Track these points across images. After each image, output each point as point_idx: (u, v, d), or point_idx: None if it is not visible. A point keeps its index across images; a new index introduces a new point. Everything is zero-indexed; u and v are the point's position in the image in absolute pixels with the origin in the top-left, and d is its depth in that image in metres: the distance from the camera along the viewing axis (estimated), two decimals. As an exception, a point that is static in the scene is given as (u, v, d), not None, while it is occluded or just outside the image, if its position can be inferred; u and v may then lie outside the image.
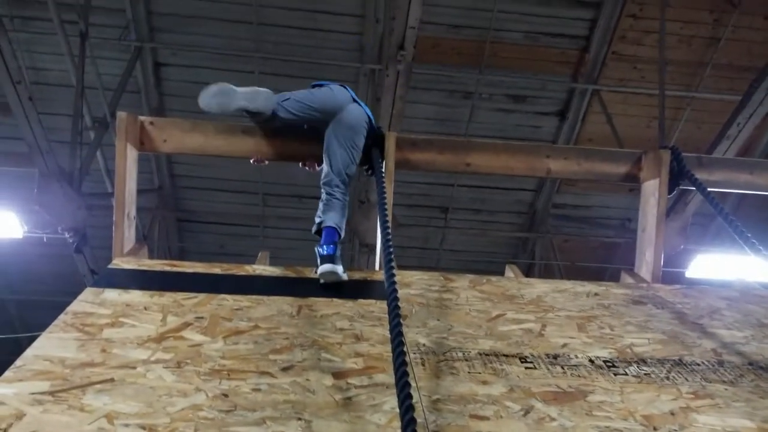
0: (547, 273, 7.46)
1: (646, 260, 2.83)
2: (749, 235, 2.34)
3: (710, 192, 2.69)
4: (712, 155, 6.11)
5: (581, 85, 6.44)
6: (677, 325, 2.25)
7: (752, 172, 3.03)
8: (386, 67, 4.84)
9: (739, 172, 3.03)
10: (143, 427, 1.36)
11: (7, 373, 1.52)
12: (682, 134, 6.64)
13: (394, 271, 1.92)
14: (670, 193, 2.84)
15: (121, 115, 2.55)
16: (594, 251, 7.69)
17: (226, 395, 1.53)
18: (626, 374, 1.83)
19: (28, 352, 1.64)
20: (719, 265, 6.23)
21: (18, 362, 1.58)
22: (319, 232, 2.43)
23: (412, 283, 2.43)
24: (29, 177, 5.20)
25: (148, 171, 6.63)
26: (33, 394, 1.44)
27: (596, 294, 2.50)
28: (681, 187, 2.90)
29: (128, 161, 2.54)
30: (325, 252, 2.30)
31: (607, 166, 2.95)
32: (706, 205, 2.62)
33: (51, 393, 1.45)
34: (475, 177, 6.57)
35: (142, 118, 2.64)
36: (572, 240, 7.67)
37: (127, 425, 1.36)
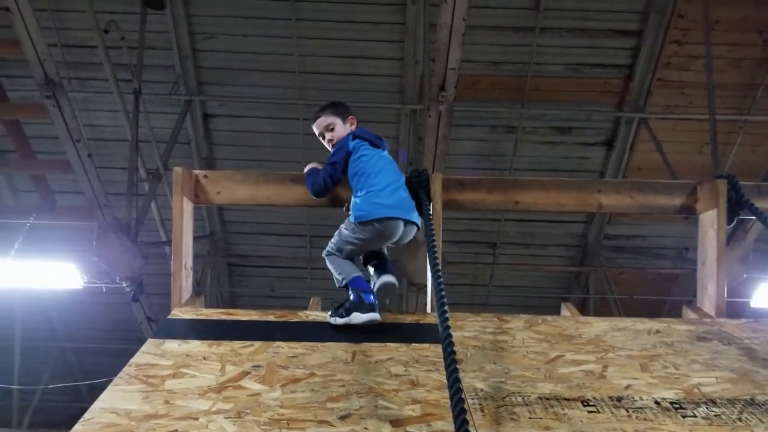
0: (602, 307, 7.24)
1: (709, 294, 2.72)
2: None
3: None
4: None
5: (627, 114, 6.36)
6: (746, 362, 2.14)
7: (814, 198, 2.89)
8: (428, 108, 4.91)
9: (800, 199, 2.90)
10: (207, 480, 1.38)
11: (77, 427, 1.57)
12: (735, 159, 6.42)
13: (447, 315, 1.91)
14: (729, 223, 2.74)
15: (178, 170, 2.67)
16: (651, 283, 7.42)
17: (286, 445, 1.54)
18: (695, 416, 1.74)
19: (96, 405, 1.69)
20: (787, 293, 5.90)
21: (86, 415, 1.63)
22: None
23: (465, 325, 2.40)
24: (88, 230, 5.45)
25: (199, 218, 6.87)
26: (103, 447, 1.48)
27: (658, 331, 2.41)
28: (741, 217, 2.79)
29: (185, 214, 2.64)
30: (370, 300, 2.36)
31: (661, 198, 2.88)
32: (768, 231, 2.53)
33: (119, 446, 1.49)
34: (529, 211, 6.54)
35: (196, 172, 2.76)
36: (627, 272, 7.43)
37: (192, 477, 1.38)
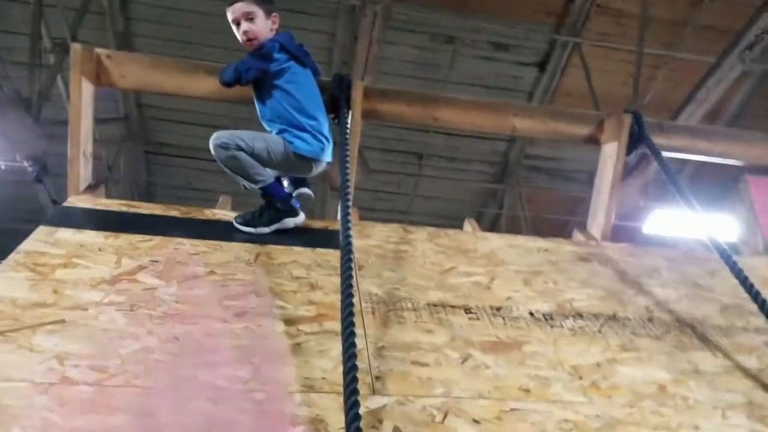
0: (513, 224, 7.63)
1: (598, 220, 2.93)
2: (690, 196, 2.45)
3: (665, 157, 2.76)
4: (675, 120, 6.22)
5: (563, 37, 6.40)
6: (617, 283, 2.37)
7: (709, 140, 3.12)
8: (364, 6, 4.70)
9: (697, 139, 3.11)
10: (93, 368, 1.41)
11: (-44, 313, 1.53)
12: (656, 93, 6.69)
13: (350, 222, 1.96)
14: (627, 155, 2.92)
15: (76, 47, 2.45)
16: (562, 204, 7.86)
17: (177, 339, 1.58)
18: (562, 327, 1.94)
19: (-21, 290, 1.65)
20: (674, 222, 6.45)
21: (-33, 300, 1.59)
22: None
23: (372, 234, 2.48)
24: (-14, 102, 5.00)
25: (113, 99, 6.44)
26: (-18, 333, 1.47)
27: (546, 250, 2.60)
28: (639, 151, 2.97)
29: (83, 96, 2.47)
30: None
31: (571, 127, 3.00)
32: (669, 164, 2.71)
33: (0, 333, 1.48)
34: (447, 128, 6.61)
35: (99, 50, 2.54)
36: (541, 192, 7.81)
37: (77, 366, 1.41)
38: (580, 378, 1.66)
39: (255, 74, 2.32)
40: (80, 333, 1.53)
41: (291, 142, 2.32)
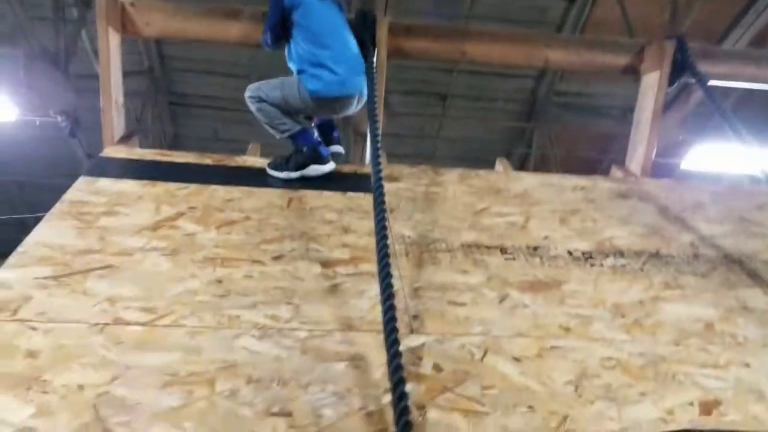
0: (543, 164, 7.47)
1: (637, 154, 2.84)
2: (742, 128, 2.34)
3: (711, 86, 2.63)
4: (721, 45, 5.89)
5: (593, -37, 6.04)
6: (659, 219, 2.31)
7: (759, 65, 2.93)
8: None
9: (746, 64, 2.93)
10: (143, 310, 1.46)
11: (11, 260, 1.59)
12: (697, 19, 6.29)
13: (381, 165, 1.95)
14: (670, 86, 2.79)
15: (101, -3, 2.43)
16: (593, 142, 7.63)
17: (220, 281, 1.62)
18: (602, 266, 1.92)
19: (29, 239, 1.71)
20: (716, 158, 6.22)
21: (20, 249, 1.65)
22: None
23: (402, 177, 2.46)
24: (15, 58, 5.03)
25: (136, 52, 6.41)
26: (37, 279, 1.52)
27: (583, 188, 2.54)
28: (681, 80, 2.84)
29: (111, 46, 2.46)
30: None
31: (607, 57, 2.87)
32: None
33: (54, 278, 1.54)
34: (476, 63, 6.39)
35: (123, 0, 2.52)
36: (571, 130, 7.59)
37: (128, 308, 1.46)
38: (623, 316, 1.65)
39: (276, 17, 2.30)
40: (128, 277, 1.58)
41: (306, 84, 2.28)
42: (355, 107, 2.42)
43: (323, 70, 2.28)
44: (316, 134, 2.44)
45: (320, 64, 2.28)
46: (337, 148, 2.51)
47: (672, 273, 1.92)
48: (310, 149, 2.32)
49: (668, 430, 1.24)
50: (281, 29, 2.33)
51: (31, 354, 1.27)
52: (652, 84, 2.80)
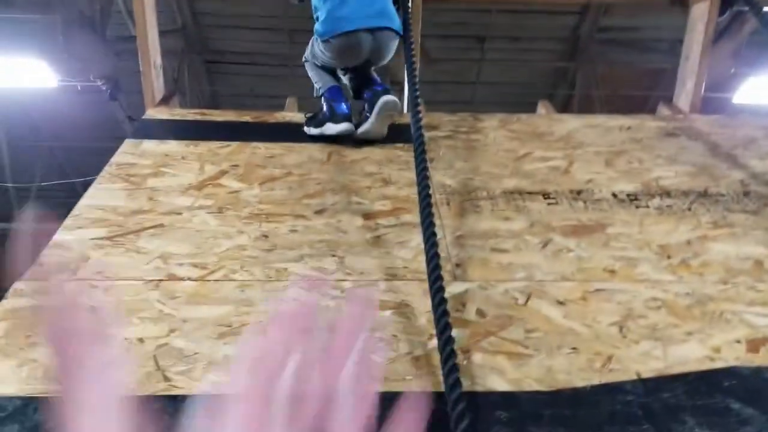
0: (587, 105, 7.22)
1: (686, 90, 2.72)
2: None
3: (766, 13, 2.47)
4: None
5: None
6: (708, 157, 2.23)
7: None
8: None
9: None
10: (195, 266, 1.52)
11: (67, 222, 1.67)
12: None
13: (421, 115, 1.93)
14: (721, 15, 2.63)
15: (131, -46, 2.43)
16: (640, 79, 7.30)
17: (266, 236, 1.67)
18: (648, 207, 1.88)
19: (82, 202, 1.78)
20: (771, 90, 5.87)
21: (75, 211, 1.73)
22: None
23: (441, 125, 2.43)
24: (53, 24, 5.12)
25: (170, 11, 6.41)
26: (93, 239, 1.60)
27: (629, 127, 2.46)
28: (734, 9, 2.67)
29: (146, 6, 2.47)
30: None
31: (653, -13, 2.72)
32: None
33: (109, 238, 1.61)
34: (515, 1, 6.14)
35: (154, -43, 2.51)
36: (616, 68, 7.27)
37: (181, 264, 1.53)
38: (669, 257, 1.63)
39: None
40: (178, 235, 1.64)
41: (315, 29, 2.23)
42: (376, 45, 2.23)
43: (326, 9, 2.19)
44: (341, 91, 2.33)
45: (324, 3, 2.20)
46: (389, 97, 2.22)
47: (720, 212, 1.86)
48: (329, 107, 2.26)
49: (714, 367, 1.23)
50: None
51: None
52: (701, 14, 2.65)
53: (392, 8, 2.29)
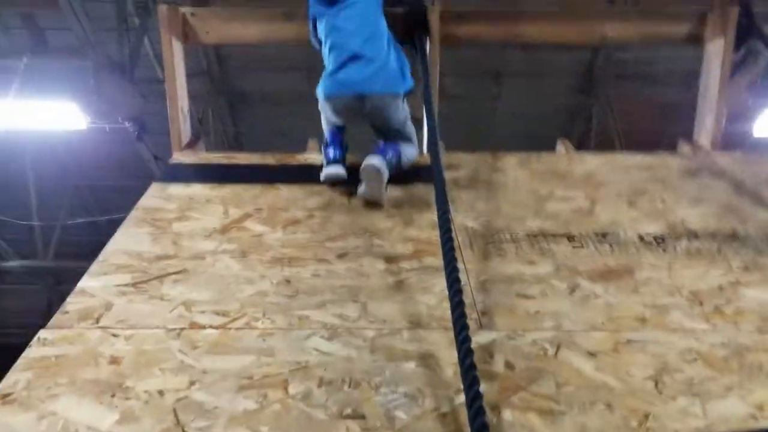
0: (605, 139, 7.20)
1: (706, 127, 2.69)
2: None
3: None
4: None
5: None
6: (733, 196, 2.19)
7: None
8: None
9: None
10: (217, 313, 1.52)
11: (93, 268, 1.69)
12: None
13: (440, 156, 1.93)
14: (735, 51, 2.64)
15: (162, 9, 2.51)
16: (656, 112, 7.28)
17: (288, 281, 1.66)
18: (675, 250, 1.84)
19: (109, 247, 1.80)
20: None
21: (100, 257, 1.74)
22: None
23: (460, 165, 2.43)
24: (85, 69, 5.31)
25: (195, 55, 6.60)
26: (117, 286, 1.61)
27: (649, 166, 2.43)
28: (749, 46, 2.67)
29: (175, 55, 2.54)
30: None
31: (668, 27, 2.73)
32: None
33: (133, 284, 1.62)
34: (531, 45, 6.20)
35: (183, 9, 2.59)
36: (632, 102, 7.27)
37: (203, 312, 1.52)
38: (701, 304, 1.58)
39: (310, 24, 2.37)
40: (201, 280, 1.65)
41: (319, 84, 2.29)
42: (371, 116, 2.25)
43: (327, 68, 2.26)
44: (338, 134, 2.29)
45: (328, 58, 2.27)
46: (370, 160, 2.10)
47: (751, 255, 1.81)
48: (324, 151, 2.27)
49: (758, 427, 1.18)
50: (316, 35, 2.38)
51: (115, 360, 1.34)
52: (717, 51, 2.65)
53: (393, 65, 2.25)
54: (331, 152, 2.23)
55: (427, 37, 2.55)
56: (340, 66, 2.22)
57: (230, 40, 2.71)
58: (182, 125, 2.59)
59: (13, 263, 8.26)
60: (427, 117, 2.20)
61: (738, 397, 1.25)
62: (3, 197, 7.54)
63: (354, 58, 2.20)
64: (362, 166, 2.09)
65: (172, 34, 2.53)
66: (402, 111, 2.29)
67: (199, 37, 2.61)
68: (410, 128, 2.35)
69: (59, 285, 8.53)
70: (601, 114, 7.36)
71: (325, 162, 2.22)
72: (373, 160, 2.08)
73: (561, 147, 2.82)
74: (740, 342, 1.43)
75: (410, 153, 2.31)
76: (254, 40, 2.66)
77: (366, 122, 2.30)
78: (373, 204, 2.10)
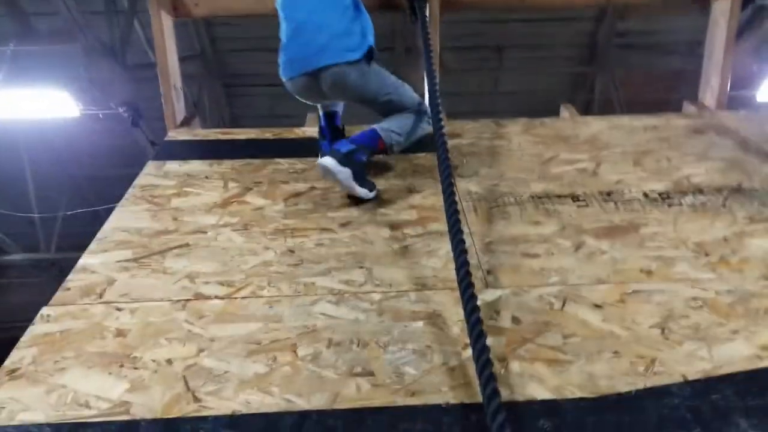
0: (607, 110, 7.14)
1: (711, 87, 2.66)
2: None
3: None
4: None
5: None
6: (738, 152, 2.17)
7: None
8: None
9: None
10: (222, 284, 1.51)
11: (92, 245, 1.67)
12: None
13: (443, 123, 1.90)
14: (742, 10, 2.58)
15: (149, -19, 2.47)
16: (659, 83, 7.21)
17: (292, 251, 1.65)
18: (681, 205, 1.82)
19: (107, 225, 1.79)
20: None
21: (99, 235, 1.73)
22: None
23: (463, 133, 2.41)
24: (74, 55, 5.23)
25: (187, 37, 6.52)
26: (119, 262, 1.60)
27: (655, 127, 2.41)
28: (756, 3, 2.62)
29: (165, 31, 2.50)
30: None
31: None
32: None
33: (134, 260, 1.61)
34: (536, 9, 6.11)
35: (170, -19, 2.55)
36: (635, 72, 7.18)
37: (207, 283, 1.51)
38: (707, 255, 1.57)
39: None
40: (204, 254, 1.63)
41: None
42: (331, 92, 2.00)
43: (281, 50, 2.06)
44: (326, 129, 2.20)
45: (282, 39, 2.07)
46: (320, 160, 1.88)
47: (756, 207, 1.80)
48: (320, 142, 2.19)
49: (763, 366, 1.17)
50: None
51: (121, 333, 1.33)
52: (723, 10, 2.60)
53: (346, 30, 1.97)
54: (323, 145, 2.16)
55: (427, 3, 2.50)
56: (288, 42, 2.02)
57: (220, 11, 2.66)
58: (176, 102, 2.56)
59: (17, 256, 8.27)
60: (428, 85, 2.16)
61: (743, 339, 1.25)
62: (1, 191, 7.51)
63: (298, 30, 1.98)
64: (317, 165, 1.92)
65: (161, 7, 2.49)
66: (375, 78, 1.99)
67: (189, 10, 2.57)
68: (403, 95, 2.04)
69: (63, 277, 8.55)
70: (603, 85, 7.28)
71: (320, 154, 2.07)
72: (322, 160, 1.86)
73: (565, 111, 2.79)
74: (746, 288, 1.42)
75: (404, 124, 2.00)
76: (243, 11, 2.61)
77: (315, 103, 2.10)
78: (376, 173, 2.07)
